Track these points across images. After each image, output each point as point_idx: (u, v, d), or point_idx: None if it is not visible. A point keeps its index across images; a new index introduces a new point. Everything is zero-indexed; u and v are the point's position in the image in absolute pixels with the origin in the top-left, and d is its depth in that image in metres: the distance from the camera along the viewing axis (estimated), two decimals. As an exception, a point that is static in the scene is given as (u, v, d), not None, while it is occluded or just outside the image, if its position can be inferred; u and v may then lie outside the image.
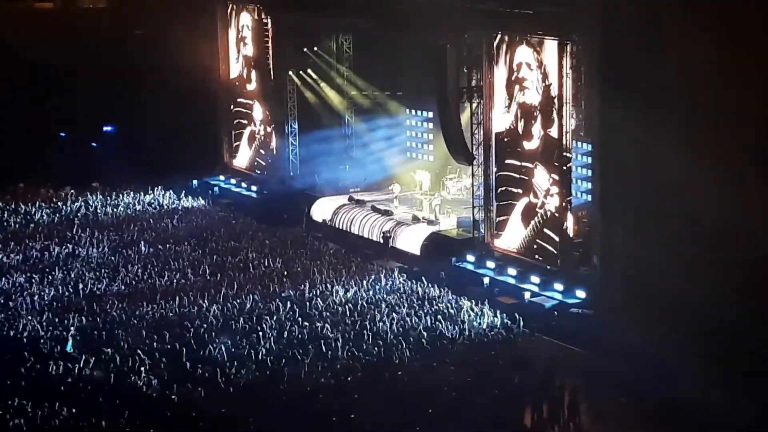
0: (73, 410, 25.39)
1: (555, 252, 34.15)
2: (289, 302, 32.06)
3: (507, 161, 35.77)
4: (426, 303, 32.20)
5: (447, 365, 27.81)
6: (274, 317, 30.93)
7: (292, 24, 44.99)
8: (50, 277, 34.29)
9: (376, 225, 39.69)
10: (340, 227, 41.09)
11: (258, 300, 32.35)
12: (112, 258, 36.41)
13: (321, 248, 38.31)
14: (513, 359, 28.87)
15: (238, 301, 32.30)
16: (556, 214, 33.93)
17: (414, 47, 43.63)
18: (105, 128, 52.54)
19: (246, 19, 46.92)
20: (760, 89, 28.70)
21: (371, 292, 33.04)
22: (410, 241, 38.21)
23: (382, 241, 38.67)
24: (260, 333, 29.65)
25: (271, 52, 45.19)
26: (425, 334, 29.75)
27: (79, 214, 41.88)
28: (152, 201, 44.13)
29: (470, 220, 37.25)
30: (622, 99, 30.87)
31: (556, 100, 33.49)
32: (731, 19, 28.79)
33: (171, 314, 31.19)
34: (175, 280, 34.09)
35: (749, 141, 28.98)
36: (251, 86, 47.30)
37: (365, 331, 29.87)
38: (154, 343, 29.00)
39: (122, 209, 42.75)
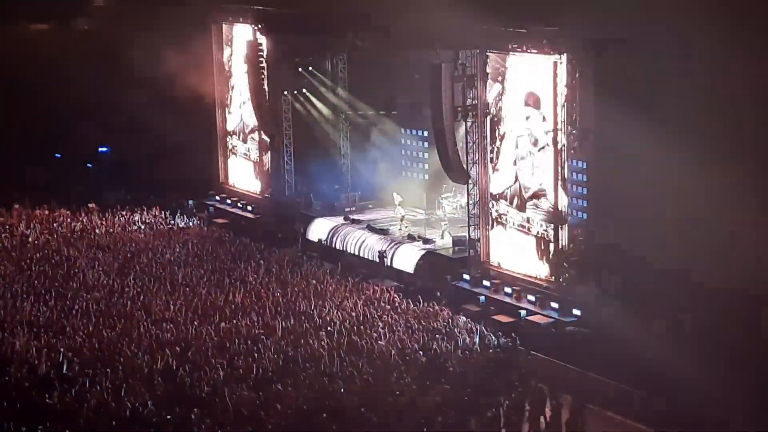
0: (68, 432, 25.40)
1: (551, 270, 34.17)
2: (285, 322, 32.01)
3: (502, 179, 35.83)
4: (422, 322, 32.15)
5: (443, 384, 27.73)
6: (270, 337, 30.87)
7: (286, 44, 45.13)
8: (45, 298, 34.18)
9: (371, 244, 39.67)
10: (336, 247, 41.07)
11: (254, 320, 32.29)
12: (108, 279, 36.32)
13: (317, 268, 38.26)
14: (509, 378, 28.81)
15: (234, 321, 32.24)
16: (552, 232, 33.96)
17: (409, 66, 43.82)
18: (100, 149, 52.57)
19: (240, 39, 47.03)
20: (756, 104, 28.82)
21: (367, 312, 32.98)
22: (406, 260, 38.19)
23: (377, 260, 38.63)
24: (256, 353, 29.60)
25: (265, 72, 45.28)
26: (421, 353, 29.70)
27: (74, 235, 41.82)
28: (148, 221, 44.07)
29: (466, 239, 37.28)
30: (617, 116, 30.97)
31: (550, 118, 33.58)
32: (725, 34, 28.91)
33: (167, 334, 31.10)
34: (171, 301, 34.00)
35: (746, 157, 29.09)
36: (246, 106, 47.35)
37: (362, 351, 29.82)
38: (151, 364, 28.92)
39: (118, 230, 42.68)
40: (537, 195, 34.45)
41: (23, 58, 50.03)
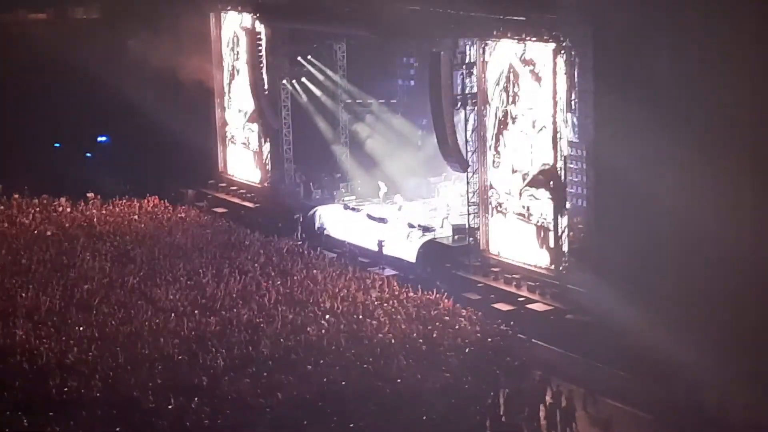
0: (71, 422, 25.37)
1: (550, 258, 34.20)
2: (285, 311, 32.03)
3: (501, 167, 35.84)
4: (422, 310, 32.17)
5: (443, 372, 27.78)
6: (270, 326, 30.91)
7: (285, 32, 45.09)
8: (45, 287, 34.18)
9: (371, 233, 39.67)
10: (336, 236, 41.07)
11: (254, 309, 32.32)
12: (108, 268, 36.32)
13: (316, 257, 38.27)
14: (509, 366, 28.87)
15: (235, 310, 32.27)
16: (551, 220, 33.98)
17: (408, 54, 43.82)
18: (99, 138, 52.54)
19: (239, 27, 46.98)
20: (753, 89, 28.82)
21: (367, 300, 33.00)
22: (405, 248, 38.20)
23: (377, 248, 38.63)
24: (257, 342, 29.64)
25: (264, 61, 45.25)
26: (421, 341, 29.73)
27: (74, 225, 41.80)
28: (147, 211, 44.04)
29: (465, 227, 37.29)
30: (616, 104, 30.98)
31: (549, 107, 33.57)
32: (725, 20, 28.91)
33: (168, 324, 31.13)
34: (170, 290, 34.00)
35: (744, 144, 29.12)
36: (245, 95, 47.30)
37: (362, 339, 29.86)
38: (151, 353, 28.95)
39: (117, 219, 42.66)
40: (536, 182, 34.44)
41: (21, 47, 49.93)
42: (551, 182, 33.82)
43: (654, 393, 26.64)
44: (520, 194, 35.09)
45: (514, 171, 35.28)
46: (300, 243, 40.36)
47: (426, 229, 38.79)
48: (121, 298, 33.43)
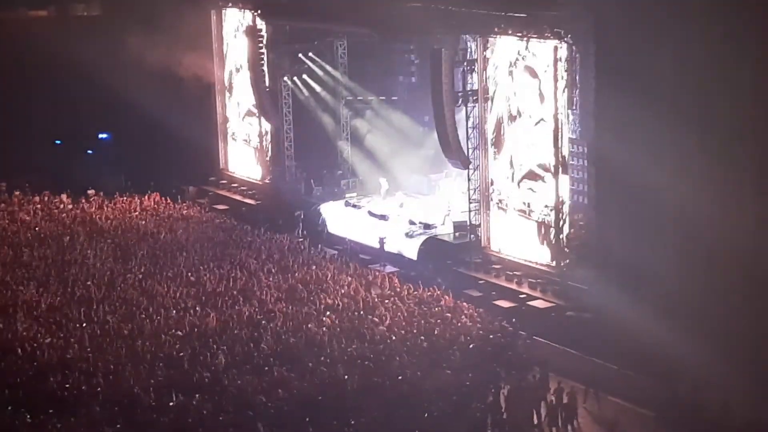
0: (72, 419, 25.38)
1: (551, 255, 34.19)
2: (286, 307, 32.02)
3: (502, 164, 35.82)
4: (423, 307, 32.16)
5: (444, 369, 27.76)
6: (272, 322, 30.91)
7: (286, 29, 45.07)
8: (46, 284, 34.19)
9: (372, 230, 39.65)
10: (337, 232, 41.05)
11: (255, 305, 32.31)
12: (109, 265, 36.32)
13: (317, 254, 38.26)
14: (510, 363, 28.86)
15: (236, 307, 32.27)
16: (552, 217, 33.96)
17: (409, 51, 43.79)
18: (100, 135, 52.52)
19: (240, 24, 46.94)
20: (754, 86, 28.79)
21: (368, 297, 32.99)
22: (407, 245, 38.18)
23: (378, 245, 38.62)
24: (258, 339, 29.63)
25: (265, 58, 45.23)
26: (423, 338, 29.72)
27: (75, 222, 41.80)
28: (148, 208, 44.04)
29: (466, 224, 37.28)
30: (617, 100, 30.95)
31: (550, 103, 33.55)
32: (723, 18, 28.88)
33: (168, 320, 31.13)
34: (172, 287, 34.00)
35: (744, 140, 29.08)
36: (246, 92, 47.28)
37: (363, 336, 29.85)
38: (152, 350, 28.95)
39: (118, 216, 42.66)
40: (536, 179, 34.42)
41: (22, 45, 49.90)
42: (552, 179, 33.80)
43: (655, 390, 26.61)
44: (521, 191, 35.05)
45: (515, 168, 35.25)
46: (301, 240, 40.36)
47: (427, 226, 38.78)
48: (122, 295, 33.43)
